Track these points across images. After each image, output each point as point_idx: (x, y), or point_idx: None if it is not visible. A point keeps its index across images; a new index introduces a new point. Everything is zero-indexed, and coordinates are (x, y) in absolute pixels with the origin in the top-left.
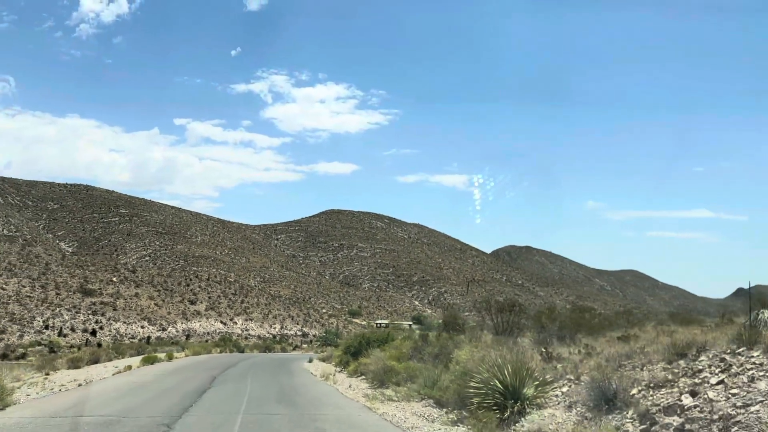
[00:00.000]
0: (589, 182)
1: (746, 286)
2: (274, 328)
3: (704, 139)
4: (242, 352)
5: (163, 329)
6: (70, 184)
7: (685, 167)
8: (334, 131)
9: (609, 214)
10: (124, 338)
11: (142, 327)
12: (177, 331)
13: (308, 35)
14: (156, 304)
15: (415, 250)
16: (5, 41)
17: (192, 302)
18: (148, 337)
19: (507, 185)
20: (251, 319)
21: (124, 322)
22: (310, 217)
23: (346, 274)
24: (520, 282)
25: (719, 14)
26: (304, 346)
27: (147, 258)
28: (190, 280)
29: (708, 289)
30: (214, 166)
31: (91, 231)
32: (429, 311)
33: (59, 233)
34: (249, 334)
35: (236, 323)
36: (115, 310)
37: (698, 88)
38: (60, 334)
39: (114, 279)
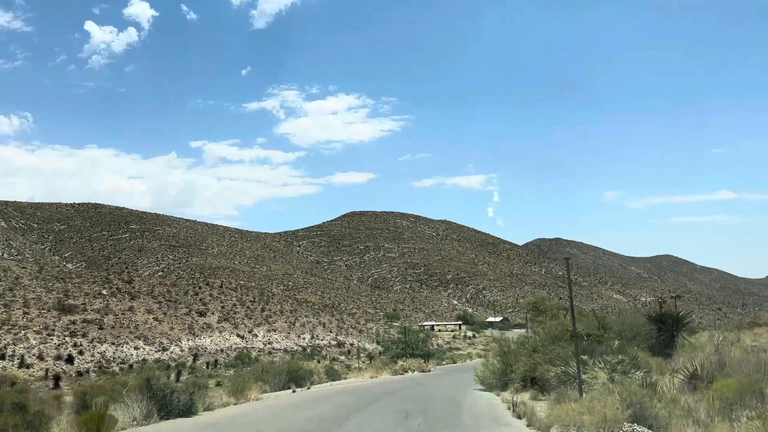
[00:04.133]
0: (606, 173)
1: None
2: (303, 338)
3: (720, 122)
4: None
5: (164, 349)
6: (78, 204)
7: (702, 150)
8: (348, 141)
9: (630, 203)
10: (112, 363)
11: (136, 348)
12: (182, 351)
13: (316, 49)
14: (155, 318)
15: (445, 248)
16: (21, 78)
17: (201, 314)
18: (144, 360)
19: (524, 181)
20: (275, 330)
21: (113, 344)
22: (331, 220)
23: (375, 276)
24: (560, 273)
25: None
26: (342, 357)
27: (160, 273)
28: (200, 288)
29: (747, 269)
30: (233, 186)
31: (100, 249)
32: (470, 310)
33: (66, 254)
34: (273, 348)
35: (257, 336)
36: (101, 329)
37: (706, 74)
38: (21, 364)
39: (104, 291)
